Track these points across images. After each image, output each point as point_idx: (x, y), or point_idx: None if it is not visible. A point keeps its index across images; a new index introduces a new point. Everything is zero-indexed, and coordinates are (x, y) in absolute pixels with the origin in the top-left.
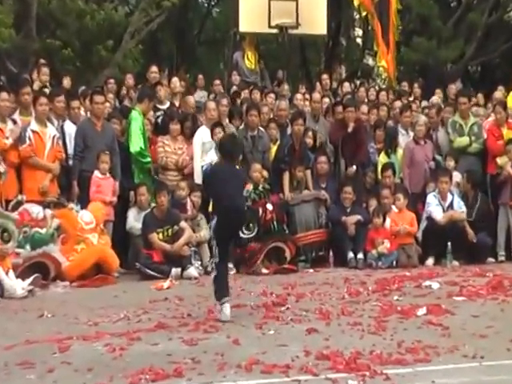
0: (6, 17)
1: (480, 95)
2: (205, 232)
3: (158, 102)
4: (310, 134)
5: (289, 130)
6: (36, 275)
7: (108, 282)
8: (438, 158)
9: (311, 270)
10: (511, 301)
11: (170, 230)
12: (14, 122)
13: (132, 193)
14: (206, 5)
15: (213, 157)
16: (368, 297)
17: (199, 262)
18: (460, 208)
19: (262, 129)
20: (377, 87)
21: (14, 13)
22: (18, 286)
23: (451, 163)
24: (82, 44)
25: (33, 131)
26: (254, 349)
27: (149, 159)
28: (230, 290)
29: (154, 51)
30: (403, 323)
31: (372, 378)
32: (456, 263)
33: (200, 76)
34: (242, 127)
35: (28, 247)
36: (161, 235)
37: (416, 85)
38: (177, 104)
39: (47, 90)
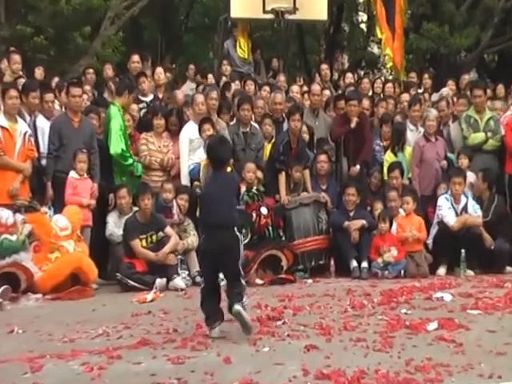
0: None
1: (500, 86)
2: (192, 239)
3: (140, 93)
4: (305, 128)
5: (285, 126)
6: (5, 287)
7: (85, 295)
8: (451, 156)
9: (310, 281)
10: None
11: (154, 237)
12: None
13: (112, 195)
14: None
15: (201, 155)
16: (373, 310)
17: (186, 272)
18: (475, 212)
19: (255, 125)
20: (383, 78)
21: None
22: None
23: (465, 162)
24: (57, 31)
25: (1, 127)
26: (246, 368)
27: (131, 161)
28: (223, 309)
29: (135, 39)
30: (412, 339)
31: None
32: (471, 272)
33: (191, 66)
34: (233, 123)
35: None
36: (144, 242)
37: (426, 75)
38: (161, 97)
39: (23, 80)
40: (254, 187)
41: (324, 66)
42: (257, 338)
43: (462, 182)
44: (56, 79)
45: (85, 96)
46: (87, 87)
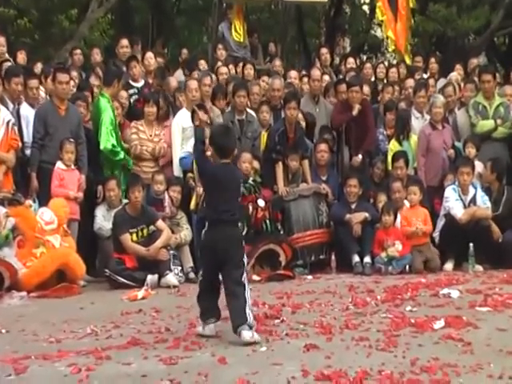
0: None
1: None
2: (186, 233)
3: (131, 78)
4: (300, 115)
5: (284, 113)
6: None
7: (72, 292)
8: (458, 145)
9: (310, 277)
10: None
11: (145, 231)
12: None
13: (100, 188)
14: None
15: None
16: (376, 307)
17: (179, 268)
18: (484, 203)
19: (251, 112)
20: (386, 63)
21: None
22: None
23: (472, 151)
24: (41, 13)
25: None
26: (243, 368)
27: (122, 156)
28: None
29: (125, 22)
30: (418, 338)
31: None
32: (479, 268)
33: (184, 50)
34: (228, 110)
35: None
36: (134, 236)
37: (432, 59)
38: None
39: (8, 64)
40: (251, 178)
41: (324, 50)
42: None
43: (470, 173)
44: (39, 65)
45: (71, 83)
46: (74, 73)
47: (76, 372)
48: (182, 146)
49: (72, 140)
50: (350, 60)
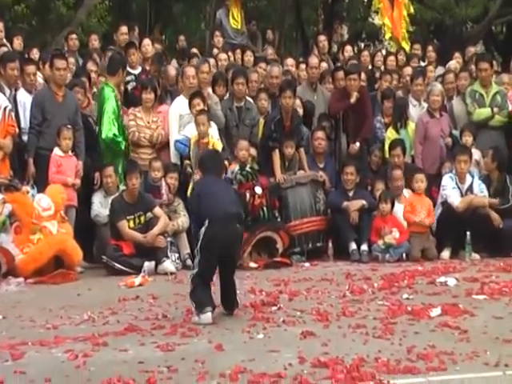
0: None
1: None
2: (183, 219)
3: (129, 65)
4: (299, 102)
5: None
6: None
7: (69, 279)
8: (455, 133)
9: (307, 264)
10: None
11: (142, 218)
12: None
13: (97, 174)
14: None
15: (192, 130)
16: (373, 295)
17: (176, 255)
18: (481, 191)
19: (249, 99)
20: (384, 51)
21: None
22: None
23: (469, 139)
24: None
25: None
26: (239, 355)
27: (122, 146)
28: (214, 296)
29: (123, 8)
30: (414, 326)
31: None
32: (476, 256)
33: (181, 37)
34: (226, 97)
35: None
36: (131, 223)
37: (430, 47)
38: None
39: (5, 49)
40: (248, 166)
41: (322, 38)
42: (251, 325)
43: (468, 161)
44: (35, 51)
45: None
46: (72, 60)
47: (73, 358)
48: (179, 132)
49: (69, 126)
50: (348, 48)
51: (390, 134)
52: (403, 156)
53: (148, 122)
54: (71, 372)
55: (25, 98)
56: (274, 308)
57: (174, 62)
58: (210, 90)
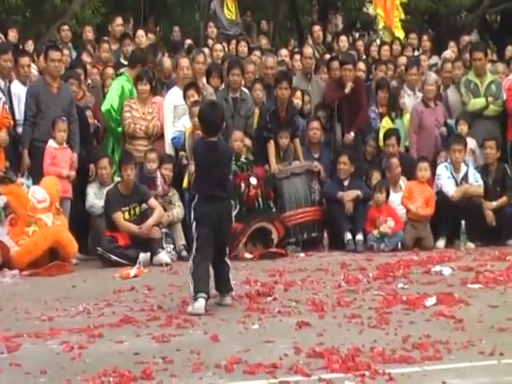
0: None
1: (510, 47)
2: (178, 210)
3: (123, 57)
4: (299, 93)
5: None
6: None
7: (65, 271)
8: (450, 122)
9: (302, 255)
10: None
11: (137, 209)
12: None
13: (92, 166)
14: None
15: (186, 123)
16: (368, 285)
17: (171, 246)
18: (476, 181)
19: (245, 90)
20: (378, 41)
21: None
22: None
23: (464, 128)
24: None
25: None
26: (235, 346)
27: (119, 128)
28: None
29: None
30: (409, 315)
31: (373, 379)
32: (471, 245)
33: (176, 28)
34: (222, 88)
35: None
36: (127, 214)
37: (425, 37)
38: None
39: None
40: (243, 156)
41: (316, 28)
42: (246, 315)
43: (463, 150)
44: (30, 42)
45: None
46: (66, 52)
47: (68, 350)
48: (173, 123)
49: (64, 118)
50: (343, 38)
51: (386, 124)
52: (398, 146)
53: (143, 114)
54: (67, 364)
55: (19, 90)
56: (270, 298)
57: (166, 56)
58: (204, 80)
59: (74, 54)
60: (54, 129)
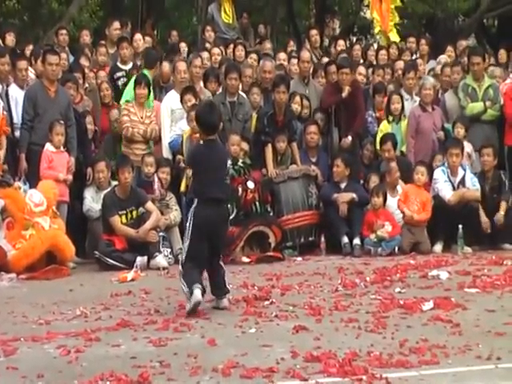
0: None
1: (502, 51)
2: (175, 214)
3: (120, 61)
4: (298, 98)
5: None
6: None
7: (62, 274)
8: (448, 126)
9: (299, 259)
10: None
11: (134, 213)
12: None
13: (89, 169)
14: None
15: (183, 127)
16: (365, 289)
17: (169, 250)
18: (473, 185)
19: (242, 94)
20: (375, 45)
21: None
22: None
23: (461, 131)
24: None
25: None
26: (232, 350)
27: None
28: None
29: (114, 3)
30: (406, 319)
31: (370, 383)
32: (468, 249)
33: (173, 32)
34: (219, 92)
35: None
36: (124, 218)
37: (423, 41)
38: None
39: None
40: (240, 160)
41: (313, 32)
42: (243, 319)
43: (460, 154)
44: (30, 47)
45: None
46: (64, 55)
47: (65, 354)
48: (170, 127)
49: (61, 122)
50: (340, 42)
51: (384, 127)
52: (394, 150)
53: (142, 117)
54: (64, 367)
55: (17, 94)
56: (267, 302)
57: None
58: (202, 84)
59: (71, 58)
60: (52, 132)
